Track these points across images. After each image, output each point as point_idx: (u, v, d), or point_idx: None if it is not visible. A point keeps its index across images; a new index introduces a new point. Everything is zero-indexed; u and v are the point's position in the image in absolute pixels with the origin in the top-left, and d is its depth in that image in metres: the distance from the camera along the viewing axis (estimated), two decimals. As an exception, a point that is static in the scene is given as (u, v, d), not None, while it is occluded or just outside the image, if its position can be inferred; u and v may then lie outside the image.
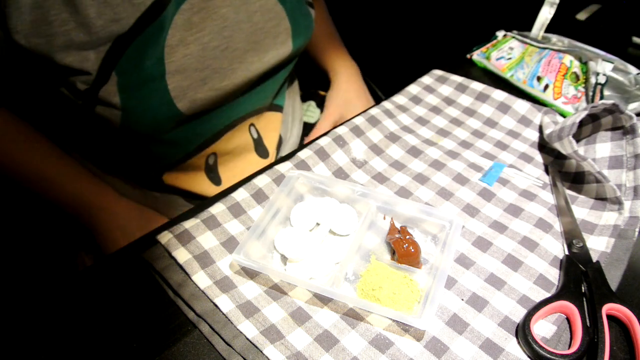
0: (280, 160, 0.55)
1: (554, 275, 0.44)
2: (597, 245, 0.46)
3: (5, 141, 0.58)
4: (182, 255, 0.44)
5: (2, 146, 0.57)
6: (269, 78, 0.64)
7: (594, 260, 0.44)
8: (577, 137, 0.56)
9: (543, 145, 0.58)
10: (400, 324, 0.40)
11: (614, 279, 0.43)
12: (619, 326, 0.40)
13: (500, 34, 0.75)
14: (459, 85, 0.66)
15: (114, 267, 0.46)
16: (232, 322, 0.40)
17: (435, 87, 0.67)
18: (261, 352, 0.38)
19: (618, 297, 0.40)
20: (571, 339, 0.39)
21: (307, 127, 0.85)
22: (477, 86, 0.65)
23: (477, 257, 0.45)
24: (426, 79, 0.68)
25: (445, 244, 0.44)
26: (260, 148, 0.70)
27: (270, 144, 0.71)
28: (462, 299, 0.42)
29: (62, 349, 0.39)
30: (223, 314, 0.40)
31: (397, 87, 0.68)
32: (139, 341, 0.40)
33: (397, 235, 0.45)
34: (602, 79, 0.60)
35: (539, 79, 0.66)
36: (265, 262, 0.45)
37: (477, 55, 0.74)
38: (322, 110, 0.86)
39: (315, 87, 0.89)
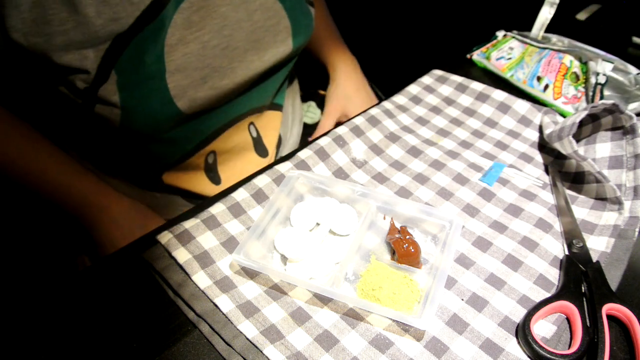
0: (280, 160, 0.55)
1: (554, 275, 0.44)
2: (597, 245, 0.46)
3: (5, 140, 0.57)
4: (182, 255, 0.44)
5: (1, 146, 0.57)
6: (269, 77, 0.64)
7: (594, 260, 0.44)
8: (577, 137, 0.56)
9: (543, 145, 0.58)
10: (400, 324, 0.40)
11: (614, 279, 0.43)
12: (619, 326, 0.40)
13: (500, 34, 0.75)
14: (459, 85, 0.66)
15: (114, 267, 0.46)
16: (232, 322, 0.40)
17: (435, 87, 0.67)
18: (261, 352, 0.38)
19: (618, 297, 0.40)
20: (571, 339, 0.39)
21: (308, 128, 0.85)
22: (477, 86, 0.65)
23: (477, 257, 0.45)
24: (426, 79, 0.68)
25: (445, 244, 0.44)
26: (259, 147, 0.70)
27: (270, 143, 0.71)
28: (462, 299, 0.42)
29: (62, 349, 0.39)
30: (223, 314, 0.40)
31: (397, 87, 0.68)
32: (139, 341, 0.40)
33: (397, 235, 0.45)
34: (602, 79, 0.60)
35: (539, 79, 0.66)
36: (265, 262, 0.45)
37: (477, 55, 0.74)
38: (322, 110, 0.86)
39: (316, 86, 0.89)
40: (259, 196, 0.50)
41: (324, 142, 0.56)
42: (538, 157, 0.57)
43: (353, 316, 0.41)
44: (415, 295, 0.41)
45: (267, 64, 0.61)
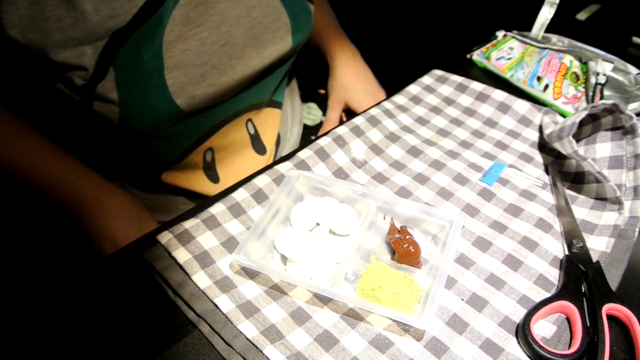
0: (280, 160, 0.55)
1: (554, 275, 0.44)
2: (597, 245, 0.46)
3: (3, 138, 0.57)
4: (182, 255, 0.44)
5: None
6: (268, 74, 0.64)
7: (594, 260, 0.44)
8: (577, 137, 0.56)
9: (543, 145, 0.58)
10: (400, 324, 0.40)
11: (614, 279, 0.43)
12: (619, 326, 0.40)
13: (500, 34, 0.75)
14: (459, 85, 0.66)
15: (114, 267, 0.46)
16: (232, 322, 0.40)
17: (435, 87, 0.67)
18: (261, 352, 0.38)
19: (618, 297, 0.40)
20: (571, 339, 0.39)
21: (308, 129, 0.85)
22: (477, 86, 0.65)
23: (477, 257, 0.45)
24: (426, 79, 0.68)
25: (445, 244, 0.44)
26: (257, 144, 0.70)
27: (268, 141, 0.71)
28: (462, 299, 0.42)
29: (62, 349, 0.39)
30: (223, 314, 0.40)
31: (397, 87, 0.68)
32: (139, 341, 0.40)
33: (397, 235, 0.45)
34: (602, 79, 0.60)
35: (539, 79, 0.66)
36: (265, 262, 0.45)
37: (477, 55, 0.74)
38: (324, 111, 0.86)
39: (316, 86, 0.89)
40: (259, 196, 0.50)
41: (324, 142, 0.56)
42: (538, 157, 0.57)
43: (353, 316, 0.41)
44: (415, 295, 0.41)
45: (267, 60, 0.61)
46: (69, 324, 0.41)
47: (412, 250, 0.43)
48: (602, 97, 0.60)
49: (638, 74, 0.63)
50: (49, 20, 0.46)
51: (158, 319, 0.41)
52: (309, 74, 0.87)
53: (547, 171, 0.55)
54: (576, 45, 0.68)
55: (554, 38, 0.71)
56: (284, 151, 0.77)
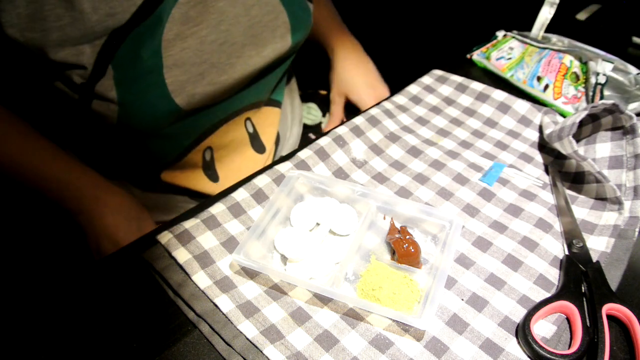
0: (280, 160, 0.55)
1: (554, 275, 0.44)
2: (597, 245, 0.46)
3: (2, 138, 0.57)
4: (182, 255, 0.44)
5: None
6: (267, 73, 0.64)
7: (594, 260, 0.44)
8: (577, 137, 0.56)
9: (543, 145, 0.58)
10: (400, 324, 0.40)
11: (614, 279, 0.43)
12: (619, 326, 0.40)
13: (500, 34, 0.75)
14: (459, 85, 0.66)
15: (114, 267, 0.46)
16: (232, 322, 0.40)
17: (435, 87, 0.67)
18: (261, 352, 0.38)
19: (618, 297, 0.40)
20: (571, 339, 0.39)
21: (308, 128, 0.85)
22: (477, 86, 0.65)
23: (477, 257, 0.45)
24: (426, 79, 0.68)
25: (445, 244, 0.44)
26: (256, 143, 0.70)
27: (268, 140, 0.71)
28: (462, 299, 0.42)
29: (62, 349, 0.39)
30: (223, 314, 0.40)
31: (397, 87, 0.68)
32: (139, 341, 0.40)
33: (397, 235, 0.45)
34: (602, 79, 0.60)
35: (539, 79, 0.66)
36: (265, 262, 0.45)
37: (477, 55, 0.74)
38: (324, 111, 0.86)
39: (315, 86, 0.89)
40: (259, 196, 0.50)
41: (324, 142, 0.56)
42: (538, 157, 0.57)
43: (353, 316, 0.41)
44: (415, 295, 0.41)
45: (266, 59, 0.61)
46: (69, 324, 0.41)
47: (412, 250, 0.43)
48: (602, 97, 0.60)
49: (638, 74, 0.63)
50: (47, 19, 0.46)
51: (158, 319, 0.41)
52: (308, 74, 0.87)
53: (547, 171, 0.55)
54: (576, 45, 0.68)
55: (554, 38, 0.71)
56: (284, 151, 0.77)
